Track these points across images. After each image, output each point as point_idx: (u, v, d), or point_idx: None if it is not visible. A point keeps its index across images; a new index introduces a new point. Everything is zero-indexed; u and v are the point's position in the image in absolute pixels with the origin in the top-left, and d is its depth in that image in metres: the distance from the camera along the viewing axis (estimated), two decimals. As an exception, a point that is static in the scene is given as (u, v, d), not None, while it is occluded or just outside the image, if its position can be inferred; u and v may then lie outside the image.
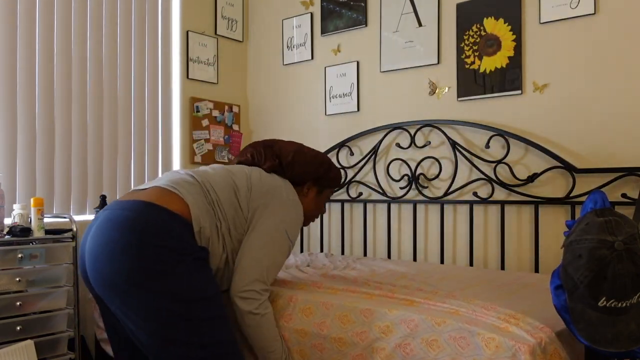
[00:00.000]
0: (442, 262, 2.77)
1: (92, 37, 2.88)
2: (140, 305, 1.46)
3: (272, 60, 3.57)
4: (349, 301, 1.72)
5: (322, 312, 1.71)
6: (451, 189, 2.75)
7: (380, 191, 2.99)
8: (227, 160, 3.50)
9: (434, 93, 2.86)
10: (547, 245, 2.49)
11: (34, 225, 2.28)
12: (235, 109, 3.58)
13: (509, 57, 2.60)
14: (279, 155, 1.94)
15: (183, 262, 1.51)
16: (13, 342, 2.12)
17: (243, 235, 1.74)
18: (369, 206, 3.09)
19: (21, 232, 2.22)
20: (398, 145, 2.95)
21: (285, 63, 3.49)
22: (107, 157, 2.93)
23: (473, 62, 2.71)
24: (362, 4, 3.13)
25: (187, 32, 3.33)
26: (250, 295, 1.65)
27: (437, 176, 2.81)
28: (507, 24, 2.61)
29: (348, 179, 3.15)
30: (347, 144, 3.16)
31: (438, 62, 2.84)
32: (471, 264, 2.67)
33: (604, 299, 1.27)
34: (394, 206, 2.99)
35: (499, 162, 2.59)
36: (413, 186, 2.88)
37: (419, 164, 2.86)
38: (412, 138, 2.89)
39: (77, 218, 2.68)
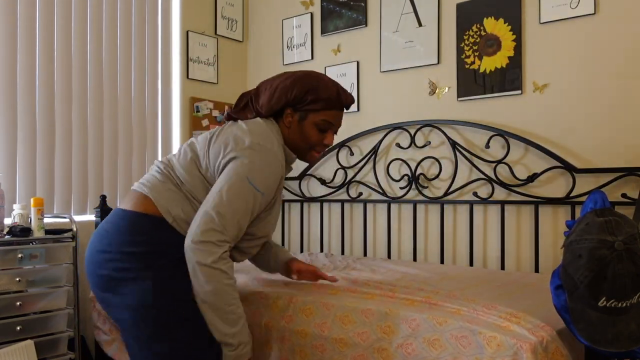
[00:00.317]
0: (442, 262, 2.77)
1: (92, 37, 2.88)
2: (113, 313, 1.60)
3: (272, 60, 3.57)
4: (349, 301, 1.72)
5: (323, 313, 1.71)
6: (451, 189, 2.75)
7: (380, 191, 2.99)
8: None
9: (434, 93, 2.86)
10: (547, 245, 2.49)
11: (34, 225, 2.28)
12: (235, 109, 3.57)
13: (509, 57, 2.60)
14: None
15: (151, 267, 1.52)
16: (13, 342, 2.12)
17: None
18: (369, 206, 3.09)
19: (21, 232, 2.22)
20: (398, 145, 2.95)
21: (285, 63, 3.49)
22: (107, 157, 2.93)
23: (473, 62, 2.71)
24: (362, 4, 3.13)
25: (187, 32, 3.33)
26: (204, 246, 1.46)
27: (437, 176, 2.80)
28: (507, 24, 2.61)
29: (348, 179, 3.15)
30: (347, 144, 3.16)
31: (438, 62, 2.84)
32: (471, 264, 2.67)
33: (604, 299, 1.27)
34: (394, 206, 2.99)
35: (499, 162, 2.59)
36: (413, 186, 2.88)
37: (419, 164, 2.86)
38: (412, 138, 2.89)
39: (77, 218, 2.68)
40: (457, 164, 2.73)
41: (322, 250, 3.24)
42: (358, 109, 3.15)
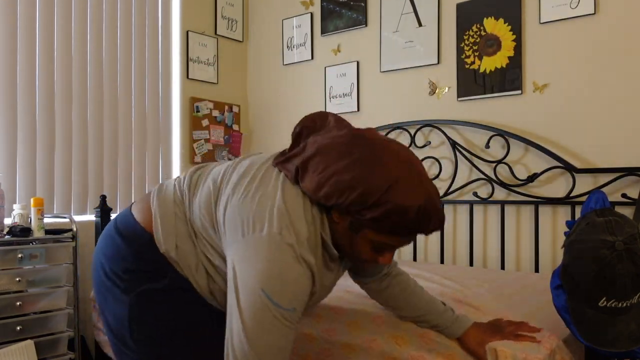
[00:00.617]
0: (442, 262, 2.77)
1: (93, 37, 2.88)
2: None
3: (272, 60, 3.57)
4: (359, 307, 1.70)
5: (332, 318, 1.68)
6: (451, 189, 2.75)
7: (380, 191, 2.99)
8: (226, 160, 3.50)
9: (434, 93, 2.86)
10: (547, 245, 2.49)
11: (34, 225, 2.28)
12: (235, 109, 3.58)
13: (509, 57, 2.60)
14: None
15: (132, 290, 1.25)
16: (13, 342, 2.12)
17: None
18: (369, 206, 3.09)
19: (21, 232, 2.22)
20: (398, 145, 2.95)
21: (285, 63, 3.49)
22: (107, 157, 2.93)
23: (473, 62, 2.71)
24: (362, 4, 3.13)
25: (187, 32, 3.32)
26: None
27: (437, 176, 2.80)
28: (507, 24, 2.61)
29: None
30: (347, 144, 3.15)
31: (438, 62, 2.84)
32: (471, 264, 2.67)
33: (604, 299, 1.27)
34: (394, 206, 2.99)
35: (499, 162, 2.59)
36: (413, 186, 2.88)
37: (419, 164, 2.86)
38: (412, 138, 2.89)
39: (77, 218, 2.68)
40: (457, 164, 2.73)
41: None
42: (358, 109, 3.15)
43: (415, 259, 2.87)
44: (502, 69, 2.62)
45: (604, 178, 2.34)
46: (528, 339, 1.40)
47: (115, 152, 2.97)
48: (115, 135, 2.98)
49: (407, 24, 2.94)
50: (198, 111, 3.36)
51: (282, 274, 1.07)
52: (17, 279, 2.18)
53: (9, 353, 2.05)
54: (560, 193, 2.46)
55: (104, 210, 2.70)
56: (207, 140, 3.41)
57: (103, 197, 2.71)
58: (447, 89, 2.81)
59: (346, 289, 1.96)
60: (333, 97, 3.25)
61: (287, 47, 3.48)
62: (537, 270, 2.47)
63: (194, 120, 3.34)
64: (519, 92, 2.57)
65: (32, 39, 2.65)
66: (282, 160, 1.22)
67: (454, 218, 2.78)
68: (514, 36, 2.58)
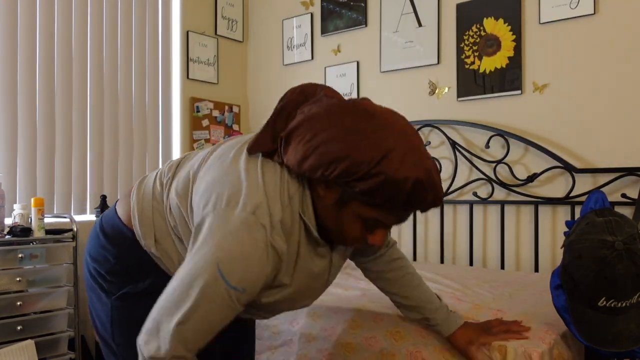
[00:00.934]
0: (442, 262, 2.77)
1: (93, 37, 2.88)
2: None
3: (272, 60, 3.57)
4: (358, 305, 1.70)
5: (330, 317, 1.69)
6: (451, 189, 2.75)
7: (380, 191, 2.99)
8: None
9: (434, 93, 2.86)
10: (547, 245, 2.49)
11: (34, 225, 2.29)
12: (235, 109, 3.58)
13: (509, 57, 2.60)
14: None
15: (111, 291, 1.22)
16: (13, 342, 2.12)
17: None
18: (369, 206, 3.09)
19: (21, 232, 2.22)
20: (398, 145, 2.95)
21: (285, 63, 3.49)
22: (107, 157, 2.93)
23: (473, 62, 2.71)
24: (362, 4, 3.13)
25: (187, 32, 3.33)
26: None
27: (437, 176, 2.80)
28: (507, 24, 2.61)
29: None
30: (347, 144, 3.15)
31: (438, 62, 2.84)
32: (471, 264, 2.67)
33: (604, 299, 1.27)
34: (394, 206, 2.99)
35: (499, 162, 2.60)
36: (413, 186, 2.88)
37: (419, 164, 2.86)
38: (412, 138, 2.89)
39: (77, 218, 2.68)
40: (457, 164, 2.73)
41: (322, 250, 3.23)
42: (358, 109, 3.15)
43: (415, 259, 2.87)
44: (502, 69, 2.62)
45: (603, 178, 2.34)
46: (516, 336, 1.37)
47: (116, 152, 2.98)
48: (116, 135, 2.98)
49: (407, 24, 2.94)
50: (198, 111, 3.36)
51: (244, 254, 0.98)
52: (18, 279, 2.18)
53: (9, 353, 2.06)
54: (560, 193, 2.46)
55: (104, 210, 2.71)
56: (207, 141, 3.41)
57: (103, 197, 2.72)
58: (447, 89, 2.81)
59: (344, 287, 1.96)
60: (333, 97, 3.25)
61: (287, 47, 3.48)
62: (537, 270, 2.47)
63: (194, 121, 3.34)
64: (519, 92, 2.57)
65: (32, 39, 2.65)
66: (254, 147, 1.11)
67: (454, 218, 2.78)
68: (514, 36, 2.59)
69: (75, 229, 2.41)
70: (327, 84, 3.26)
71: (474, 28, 2.71)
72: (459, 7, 2.76)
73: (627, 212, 2.21)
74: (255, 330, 1.52)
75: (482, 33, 2.68)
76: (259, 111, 3.64)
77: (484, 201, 2.64)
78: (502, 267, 2.58)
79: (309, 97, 1.10)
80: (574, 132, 2.44)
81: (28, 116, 2.63)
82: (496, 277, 2.19)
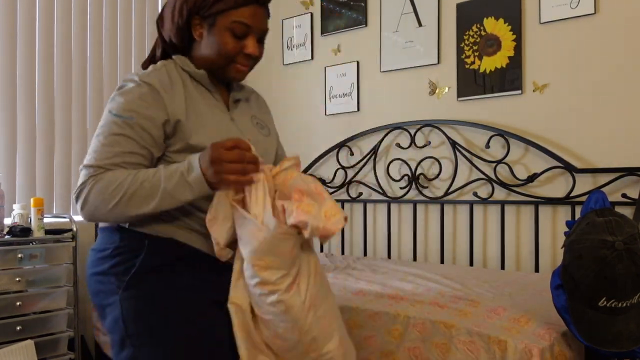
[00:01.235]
0: (442, 262, 2.77)
1: (93, 37, 2.88)
2: None
3: (272, 60, 3.57)
4: (356, 304, 1.70)
5: None
6: (451, 189, 2.75)
7: (380, 191, 2.99)
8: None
9: (434, 93, 2.86)
10: (547, 245, 2.49)
11: (34, 225, 2.28)
12: (235, 109, 3.57)
13: (509, 57, 2.60)
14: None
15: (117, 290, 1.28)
16: (13, 342, 2.12)
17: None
18: (369, 206, 3.09)
19: (21, 232, 2.22)
20: (398, 145, 2.95)
21: (285, 63, 3.49)
22: (107, 157, 2.93)
23: (473, 62, 2.71)
24: (362, 4, 3.13)
25: (187, 32, 3.32)
26: (76, 192, 1.24)
27: (437, 176, 2.80)
28: (507, 24, 2.61)
29: (348, 179, 3.15)
30: (347, 144, 3.16)
31: (438, 62, 2.84)
32: (471, 264, 2.67)
33: (604, 299, 1.27)
34: (394, 206, 2.99)
35: (499, 162, 2.59)
36: (413, 186, 2.88)
37: (419, 164, 2.86)
38: (412, 138, 2.89)
39: (77, 218, 2.68)
40: (457, 164, 2.73)
41: (322, 250, 3.24)
42: (358, 109, 3.15)
43: (415, 259, 2.87)
44: (502, 69, 2.62)
45: (604, 178, 2.34)
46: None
47: (115, 152, 2.97)
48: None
49: (407, 24, 2.94)
50: (198, 111, 3.36)
51: (124, 94, 1.27)
52: (17, 279, 2.18)
53: (9, 353, 2.05)
54: (560, 193, 2.46)
55: (104, 210, 2.70)
56: (207, 140, 3.41)
57: (103, 197, 2.72)
58: (447, 89, 2.81)
59: (343, 287, 1.96)
60: (333, 97, 3.25)
61: (287, 47, 3.48)
62: (537, 270, 2.47)
63: (194, 120, 3.34)
64: (519, 92, 2.57)
65: (32, 39, 2.65)
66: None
67: (454, 218, 2.78)
68: (514, 36, 2.58)
69: (74, 229, 2.41)
70: (327, 84, 3.26)
71: (474, 28, 2.71)
72: (459, 7, 2.76)
73: (627, 212, 2.21)
74: None
75: (482, 33, 2.68)
76: (259, 111, 3.63)
77: (484, 201, 2.64)
78: (503, 267, 2.58)
79: None
80: (574, 132, 2.44)
81: (27, 116, 2.63)
82: (496, 277, 2.19)
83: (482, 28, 2.68)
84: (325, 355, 1.21)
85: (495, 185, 2.62)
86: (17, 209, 2.32)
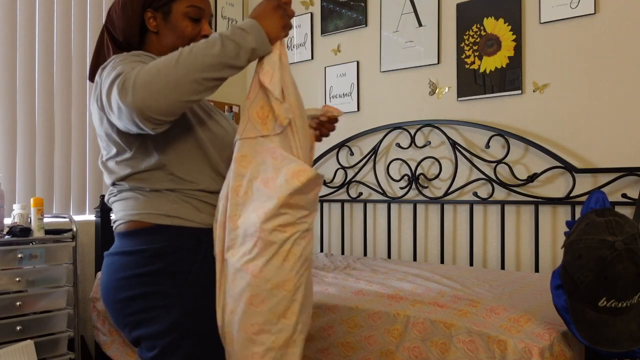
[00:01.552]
0: (442, 262, 2.77)
1: (92, 37, 2.88)
2: None
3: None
4: (356, 304, 1.71)
5: (329, 317, 1.69)
6: (451, 189, 2.75)
7: (380, 191, 2.99)
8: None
9: (434, 93, 2.86)
10: (547, 245, 2.49)
11: (33, 225, 2.28)
12: (235, 109, 3.58)
13: (509, 57, 2.60)
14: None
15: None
16: (13, 342, 2.12)
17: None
18: (369, 206, 3.09)
19: (21, 232, 2.22)
20: (398, 145, 2.95)
21: (285, 63, 3.49)
22: (107, 157, 2.93)
23: (473, 62, 2.71)
24: (362, 4, 3.13)
25: (187, 32, 3.32)
26: (118, 83, 1.08)
27: (437, 176, 2.80)
28: (507, 24, 2.61)
29: (348, 179, 3.15)
30: (347, 144, 3.16)
31: (438, 62, 2.84)
32: (471, 264, 2.67)
33: (604, 299, 1.27)
34: (394, 206, 2.99)
35: (499, 162, 2.59)
36: (413, 186, 2.88)
37: (419, 164, 2.86)
38: (412, 138, 2.89)
39: (76, 218, 2.68)
40: (457, 164, 2.73)
41: (322, 250, 3.24)
42: (358, 109, 3.15)
43: (415, 259, 2.87)
44: (502, 69, 2.62)
45: (604, 178, 2.34)
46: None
47: (115, 152, 2.97)
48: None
49: (407, 24, 2.94)
50: (198, 111, 3.36)
51: (113, 64, 1.18)
52: (17, 279, 2.18)
53: (9, 353, 2.05)
54: (560, 193, 2.46)
55: (103, 210, 2.71)
56: (207, 140, 3.41)
57: (102, 197, 2.71)
58: (447, 89, 2.81)
59: (342, 287, 1.96)
60: (333, 97, 3.25)
61: (287, 47, 3.47)
62: (537, 270, 2.47)
63: (194, 120, 3.34)
64: (519, 92, 2.57)
65: (32, 39, 2.65)
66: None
67: (454, 218, 2.78)
68: (514, 36, 2.58)
69: (74, 229, 2.41)
70: (327, 84, 3.26)
71: (474, 28, 2.71)
72: (459, 6, 2.76)
73: (627, 212, 2.21)
74: None
75: (483, 33, 2.68)
76: (259, 111, 3.63)
77: (484, 201, 2.64)
78: (503, 267, 2.57)
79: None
80: (574, 132, 2.44)
81: (27, 116, 2.63)
82: (496, 277, 2.19)
83: (482, 28, 2.68)
84: (301, 325, 1.19)
85: (495, 185, 2.62)
86: (17, 209, 2.32)
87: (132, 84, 1.04)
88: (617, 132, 2.34)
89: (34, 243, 2.27)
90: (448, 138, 2.75)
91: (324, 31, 3.30)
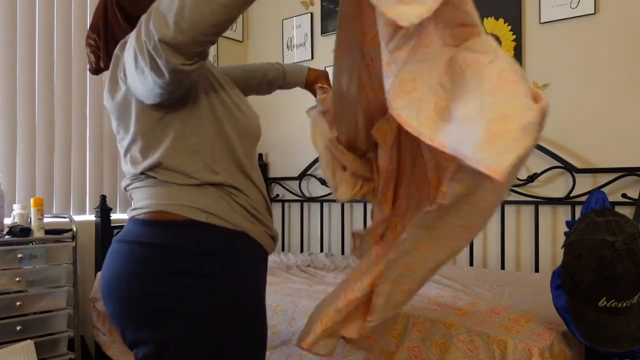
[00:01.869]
0: (442, 262, 2.77)
1: (92, 37, 2.88)
2: None
3: (272, 60, 3.57)
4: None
5: None
6: (451, 189, 2.75)
7: (380, 191, 2.99)
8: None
9: (434, 93, 2.86)
10: (547, 245, 2.49)
11: (33, 225, 2.28)
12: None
13: (509, 57, 2.60)
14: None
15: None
16: (13, 342, 2.12)
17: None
18: (369, 206, 3.09)
19: (21, 232, 2.22)
20: (398, 145, 2.95)
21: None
22: (107, 157, 2.93)
23: (473, 62, 2.70)
24: (362, 4, 3.13)
25: (187, 32, 3.32)
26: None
27: (437, 176, 2.80)
28: (507, 24, 2.61)
29: (348, 179, 3.14)
30: (347, 144, 3.15)
31: (438, 62, 2.84)
32: (471, 264, 2.67)
33: (604, 299, 1.27)
34: (394, 206, 2.99)
35: (499, 162, 2.59)
36: (413, 186, 2.88)
37: (419, 164, 2.86)
38: (412, 138, 2.89)
39: (76, 218, 2.68)
40: (457, 164, 2.73)
41: (322, 250, 3.24)
42: (358, 109, 3.15)
43: (415, 259, 2.87)
44: (502, 69, 2.62)
45: (604, 178, 2.34)
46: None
47: (115, 151, 2.97)
48: (115, 135, 2.97)
49: (407, 24, 2.94)
50: (198, 111, 3.36)
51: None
52: (17, 279, 2.18)
53: (9, 353, 2.06)
54: (560, 193, 2.46)
55: (104, 210, 2.71)
56: (207, 140, 3.41)
57: (103, 197, 2.72)
58: (447, 89, 2.81)
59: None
60: (333, 97, 3.25)
61: (287, 47, 3.48)
62: (537, 270, 2.47)
63: (194, 120, 3.34)
64: (519, 92, 2.57)
65: (32, 39, 2.65)
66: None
67: (454, 218, 2.78)
68: (514, 36, 2.58)
69: (74, 229, 2.41)
70: (327, 84, 3.26)
71: (474, 28, 2.71)
72: (459, 7, 2.76)
73: (627, 212, 2.21)
74: None
75: (482, 33, 2.68)
76: (259, 111, 3.63)
77: (484, 201, 2.63)
78: (503, 267, 2.57)
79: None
80: (574, 132, 2.44)
81: (27, 116, 2.62)
82: (496, 277, 2.19)
83: (482, 28, 2.68)
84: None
85: (495, 185, 2.62)
86: (17, 209, 2.32)
87: (175, 13, 0.95)
88: (617, 132, 2.34)
89: (34, 243, 2.27)
90: (448, 138, 2.75)
91: (324, 31, 3.30)
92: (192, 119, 1.13)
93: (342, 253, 3.16)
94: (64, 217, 2.53)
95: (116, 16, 1.26)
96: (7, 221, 2.37)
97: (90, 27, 1.31)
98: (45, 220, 2.38)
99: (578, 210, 2.39)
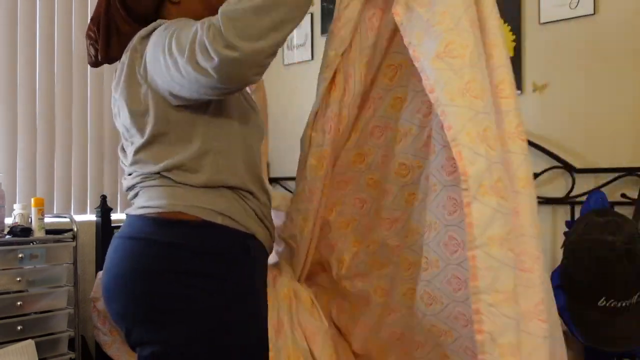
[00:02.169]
0: (442, 262, 2.77)
1: (92, 37, 2.88)
2: None
3: (272, 60, 3.57)
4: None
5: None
6: (451, 189, 2.75)
7: (380, 191, 2.99)
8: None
9: (434, 93, 2.86)
10: (547, 245, 2.48)
11: (34, 225, 2.29)
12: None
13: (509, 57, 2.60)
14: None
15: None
16: (13, 342, 2.12)
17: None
18: (369, 206, 3.09)
19: (22, 232, 2.23)
20: (398, 145, 2.95)
21: (285, 63, 3.49)
22: (107, 156, 2.93)
23: (473, 62, 2.71)
24: (362, 4, 3.13)
25: (187, 32, 3.32)
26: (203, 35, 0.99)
27: (437, 176, 2.80)
28: (506, 24, 2.61)
29: (348, 178, 3.15)
30: (347, 144, 3.15)
31: (438, 62, 2.84)
32: (471, 264, 2.67)
33: (603, 298, 1.27)
34: (394, 206, 2.99)
35: (499, 162, 2.59)
36: (413, 186, 2.88)
37: (419, 164, 2.86)
38: (412, 138, 2.89)
39: (77, 218, 2.68)
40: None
41: (322, 250, 3.23)
42: (358, 109, 3.15)
43: (415, 259, 2.87)
44: (502, 69, 2.62)
45: (603, 178, 2.34)
46: None
47: (116, 151, 2.97)
48: (116, 134, 2.98)
49: (407, 24, 2.94)
50: (198, 111, 3.36)
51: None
52: (18, 279, 2.19)
53: (9, 353, 2.06)
54: (560, 193, 2.46)
55: (104, 210, 2.71)
56: (207, 140, 3.41)
57: (103, 197, 2.72)
58: (447, 89, 2.81)
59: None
60: (333, 97, 3.25)
61: (287, 47, 3.48)
62: (536, 270, 2.47)
63: (194, 120, 3.34)
64: (519, 92, 2.57)
65: (32, 39, 2.65)
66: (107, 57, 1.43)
67: (454, 218, 2.78)
68: (514, 36, 2.59)
69: (75, 229, 2.42)
70: (327, 84, 3.26)
71: (474, 28, 2.71)
72: (459, 7, 2.76)
73: (627, 212, 2.21)
74: None
75: (482, 33, 2.68)
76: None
77: (484, 201, 2.64)
78: (502, 267, 2.57)
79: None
80: (574, 132, 2.44)
81: (28, 116, 2.63)
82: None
83: (482, 28, 2.68)
84: None
85: (495, 185, 2.62)
86: (17, 208, 2.32)
87: (230, 33, 0.97)
88: (617, 132, 2.34)
89: (34, 243, 2.28)
90: (448, 138, 2.75)
91: (324, 31, 3.30)
92: (216, 122, 1.13)
93: (342, 253, 3.16)
94: (65, 217, 2.53)
95: (119, 11, 1.25)
96: (8, 221, 2.37)
97: (92, 18, 1.30)
98: (46, 220, 2.38)
99: (577, 210, 2.39)
